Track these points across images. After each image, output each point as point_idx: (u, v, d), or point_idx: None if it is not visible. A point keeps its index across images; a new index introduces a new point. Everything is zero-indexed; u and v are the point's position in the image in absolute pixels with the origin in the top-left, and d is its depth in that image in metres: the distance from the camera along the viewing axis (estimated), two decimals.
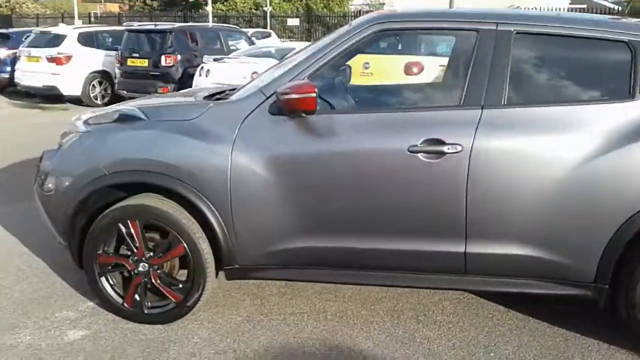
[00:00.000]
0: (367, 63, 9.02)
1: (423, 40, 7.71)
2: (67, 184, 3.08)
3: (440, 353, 2.87)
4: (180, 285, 3.07)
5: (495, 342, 2.96)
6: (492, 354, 2.86)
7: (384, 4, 32.81)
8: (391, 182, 2.80)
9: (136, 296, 3.10)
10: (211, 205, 2.91)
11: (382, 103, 2.97)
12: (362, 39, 2.91)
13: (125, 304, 3.13)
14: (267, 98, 2.90)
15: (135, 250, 3.05)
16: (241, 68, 9.58)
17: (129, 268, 3.08)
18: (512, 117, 2.73)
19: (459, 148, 2.70)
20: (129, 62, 10.87)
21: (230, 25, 15.31)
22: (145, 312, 3.11)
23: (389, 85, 3.14)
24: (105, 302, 3.18)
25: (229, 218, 2.92)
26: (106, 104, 11.63)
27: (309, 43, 4.53)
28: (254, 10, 29.76)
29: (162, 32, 10.86)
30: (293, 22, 24.43)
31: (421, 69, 7.07)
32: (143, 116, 3.08)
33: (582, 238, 2.70)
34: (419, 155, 2.74)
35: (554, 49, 2.87)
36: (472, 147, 2.70)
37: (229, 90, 3.52)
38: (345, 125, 2.83)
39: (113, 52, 11.60)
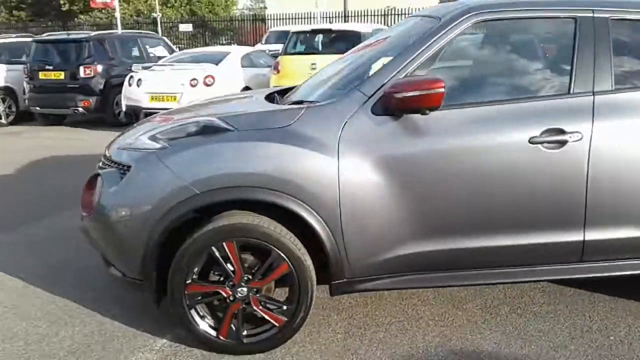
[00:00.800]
0: (314, 63, 8.91)
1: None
2: (147, 208, 2.66)
3: (565, 343, 2.85)
4: (285, 307, 2.79)
5: (606, 325, 3.00)
6: (611, 338, 2.88)
7: (266, 7, 32.88)
8: (511, 176, 2.72)
9: (232, 325, 2.78)
10: (320, 218, 2.66)
11: (488, 94, 2.88)
12: (460, 32, 2.81)
13: (221, 336, 2.79)
14: (370, 97, 2.71)
15: (231, 275, 2.72)
16: (177, 75, 9.10)
17: (225, 295, 2.74)
18: (622, 102, 2.77)
19: (580, 136, 2.70)
20: (41, 75, 9.87)
21: (148, 32, 14.47)
22: (245, 341, 2.79)
23: (485, 76, 3.05)
24: (196, 337, 2.81)
25: (338, 229, 2.69)
26: (11, 123, 10.52)
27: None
28: (135, 17, 28.52)
29: (78, 42, 9.97)
30: (185, 27, 23.63)
31: None
32: (229, 126, 2.75)
33: None
34: (540, 146, 2.69)
35: None
36: (591, 134, 2.70)
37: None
38: (461, 120, 2.71)
39: (16, 66, 10.50)
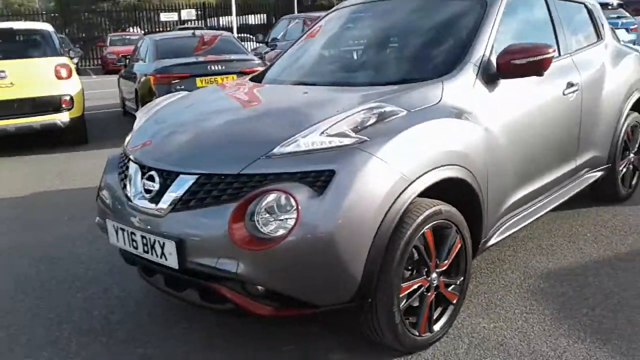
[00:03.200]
0: (3, 72, 7.48)
1: None
2: (370, 213, 2.26)
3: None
4: (458, 282, 2.77)
5: None
6: None
7: None
8: (557, 120, 3.43)
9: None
10: (478, 183, 2.77)
11: None
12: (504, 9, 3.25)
13: (420, 333, 2.59)
14: (479, 67, 2.93)
15: (428, 263, 2.56)
16: None
17: (424, 286, 2.56)
18: (583, 59, 3.75)
19: (578, 86, 3.56)
20: None
21: None
22: (436, 330, 2.67)
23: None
24: (399, 344, 2.53)
25: (486, 192, 2.84)
26: None
27: None
28: None
29: None
30: None
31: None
32: (398, 109, 2.54)
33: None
34: (565, 96, 3.46)
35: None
36: (581, 83, 3.59)
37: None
38: (531, 80, 3.17)
39: None
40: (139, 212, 2.57)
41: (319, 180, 2.25)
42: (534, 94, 3.24)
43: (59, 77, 7.86)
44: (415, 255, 2.50)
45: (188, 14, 31.13)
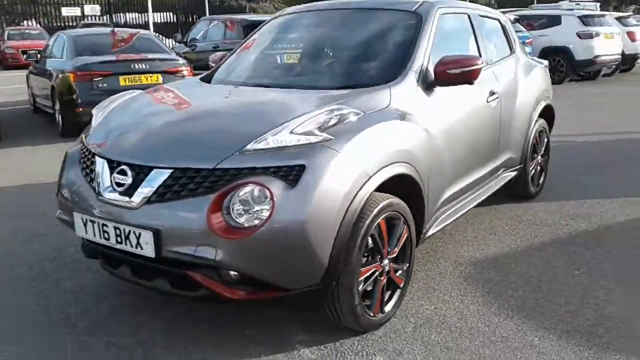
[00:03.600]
0: None
1: None
2: (336, 203, 2.50)
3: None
4: (405, 268, 3.07)
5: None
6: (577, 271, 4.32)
7: None
8: (482, 125, 3.86)
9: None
10: (423, 181, 3.09)
11: None
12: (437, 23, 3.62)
13: (374, 314, 2.87)
14: (419, 75, 3.27)
15: (381, 250, 2.85)
16: None
17: (378, 271, 2.84)
18: (500, 69, 4.20)
19: (498, 95, 4.00)
20: None
21: None
22: (387, 311, 2.96)
23: None
24: (357, 325, 2.80)
25: (427, 187, 3.16)
26: None
27: None
28: None
29: None
30: None
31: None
32: (357, 110, 2.80)
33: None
34: (489, 103, 3.89)
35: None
36: (500, 92, 4.04)
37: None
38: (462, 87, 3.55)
39: None
40: (111, 205, 2.66)
41: (291, 175, 2.47)
42: (464, 101, 3.64)
43: None
44: (371, 243, 2.77)
45: (92, 9, 30.00)
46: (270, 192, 2.40)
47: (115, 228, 2.62)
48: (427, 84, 3.30)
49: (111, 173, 2.73)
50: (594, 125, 8.43)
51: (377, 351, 2.74)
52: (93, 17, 29.79)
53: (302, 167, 2.48)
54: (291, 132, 2.60)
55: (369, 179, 2.66)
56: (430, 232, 3.37)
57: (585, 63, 13.47)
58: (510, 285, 3.40)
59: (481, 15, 4.32)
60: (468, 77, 3.32)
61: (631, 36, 14.78)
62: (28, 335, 2.91)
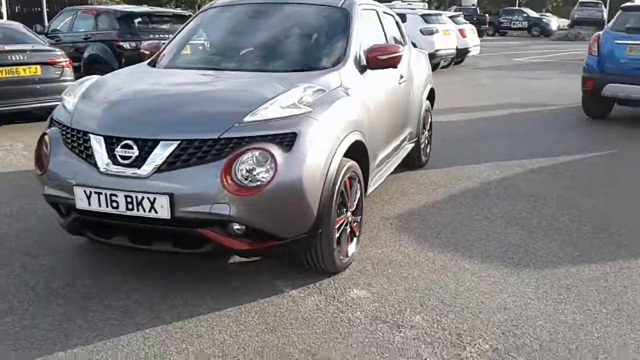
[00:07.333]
0: None
1: None
2: (322, 163, 3.06)
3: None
4: (359, 220, 3.68)
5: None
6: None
7: None
8: (397, 100, 4.59)
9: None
10: (368, 146, 3.72)
11: None
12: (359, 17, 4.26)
13: (343, 257, 3.44)
14: (356, 60, 3.90)
15: (347, 204, 3.43)
16: None
17: (345, 221, 3.42)
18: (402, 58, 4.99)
19: (405, 78, 4.77)
20: None
21: None
22: (350, 254, 3.55)
23: None
24: (333, 267, 3.37)
25: (370, 151, 3.78)
26: None
27: None
28: None
29: None
30: None
31: None
32: (323, 87, 3.37)
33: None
34: (400, 83, 4.63)
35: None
36: (406, 76, 4.83)
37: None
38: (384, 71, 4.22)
39: None
40: (118, 177, 2.94)
41: (286, 141, 2.97)
42: (385, 82, 4.35)
43: None
44: (340, 198, 3.35)
45: None
46: (273, 156, 2.88)
47: (127, 196, 2.91)
48: (362, 68, 3.94)
49: (111, 148, 3.00)
50: (451, 108, 9.72)
51: (351, 285, 3.34)
52: None
53: (295, 135, 2.99)
54: (280, 106, 3.09)
55: (340, 143, 3.24)
56: (369, 191, 4.04)
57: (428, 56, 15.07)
58: (432, 230, 4.18)
59: (384, 12, 5.07)
60: (393, 62, 4.03)
61: (462, 33, 16.77)
62: (20, 310, 3.05)
